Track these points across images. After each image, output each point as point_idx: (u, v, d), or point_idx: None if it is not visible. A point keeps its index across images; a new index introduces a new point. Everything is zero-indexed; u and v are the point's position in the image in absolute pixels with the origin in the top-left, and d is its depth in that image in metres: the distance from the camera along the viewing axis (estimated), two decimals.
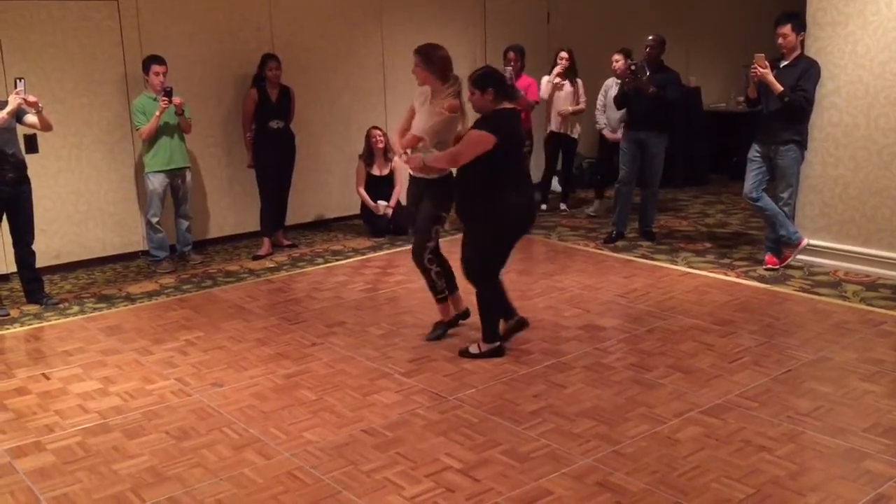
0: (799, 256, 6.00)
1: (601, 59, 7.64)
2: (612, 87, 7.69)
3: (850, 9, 5.69)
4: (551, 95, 7.81)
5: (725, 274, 5.99)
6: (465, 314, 4.99)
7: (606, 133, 7.87)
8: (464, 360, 4.51)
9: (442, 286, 4.80)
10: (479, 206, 4.38)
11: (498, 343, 4.57)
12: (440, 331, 4.87)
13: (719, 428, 3.66)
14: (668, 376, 4.23)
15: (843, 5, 5.72)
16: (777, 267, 5.98)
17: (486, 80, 4.35)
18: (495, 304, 4.56)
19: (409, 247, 4.85)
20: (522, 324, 4.66)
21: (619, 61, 7.48)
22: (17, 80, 5.30)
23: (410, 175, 4.77)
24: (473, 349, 4.57)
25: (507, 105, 4.42)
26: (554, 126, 7.92)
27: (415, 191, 4.79)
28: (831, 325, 4.89)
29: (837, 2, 5.75)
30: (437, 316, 4.93)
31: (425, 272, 4.76)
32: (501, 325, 4.62)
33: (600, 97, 7.87)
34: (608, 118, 7.85)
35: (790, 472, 3.28)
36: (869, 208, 5.78)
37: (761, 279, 5.82)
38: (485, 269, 4.48)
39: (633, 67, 6.75)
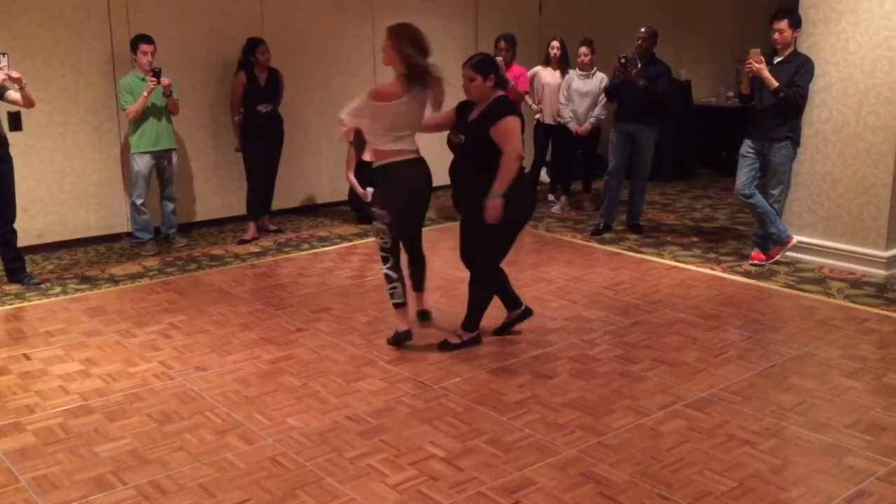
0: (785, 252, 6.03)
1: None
2: (573, 79, 7.63)
3: (842, 6, 5.69)
4: (542, 86, 7.78)
5: (711, 268, 6.01)
6: (426, 315, 4.91)
7: (573, 126, 7.72)
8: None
9: (399, 295, 4.48)
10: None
11: (477, 332, 4.56)
12: (399, 339, 4.56)
13: (703, 421, 3.67)
14: (653, 369, 4.24)
15: (836, 2, 5.72)
16: (763, 263, 6.00)
17: (489, 66, 4.28)
18: (490, 297, 4.54)
19: None
20: (528, 313, 4.72)
21: (587, 55, 7.47)
22: (1, 56, 5.23)
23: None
24: (454, 339, 4.53)
25: (501, 93, 4.36)
26: (546, 117, 7.88)
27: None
28: (816, 322, 4.91)
29: None
30: (421, 305, 4.93)
31: (384, 277, 4.50)
32: (507, 314, 4.71)
33: (563, 90, 7.67)
34: (574, 111, 7.68)
35: (772, 467, 3.29)
36: (855, 206, 5.80)
37: (747, 274, 5.84)
38: (492, 262, 4.46)
39: (623, 60, 6.75)
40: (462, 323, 4.55)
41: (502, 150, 4.15)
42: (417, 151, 4.39)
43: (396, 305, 4.52)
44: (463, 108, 4.45)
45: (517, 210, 4.28)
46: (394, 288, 4.46)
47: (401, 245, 4.55)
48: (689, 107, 9.83)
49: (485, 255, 4.43)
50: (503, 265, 4.58)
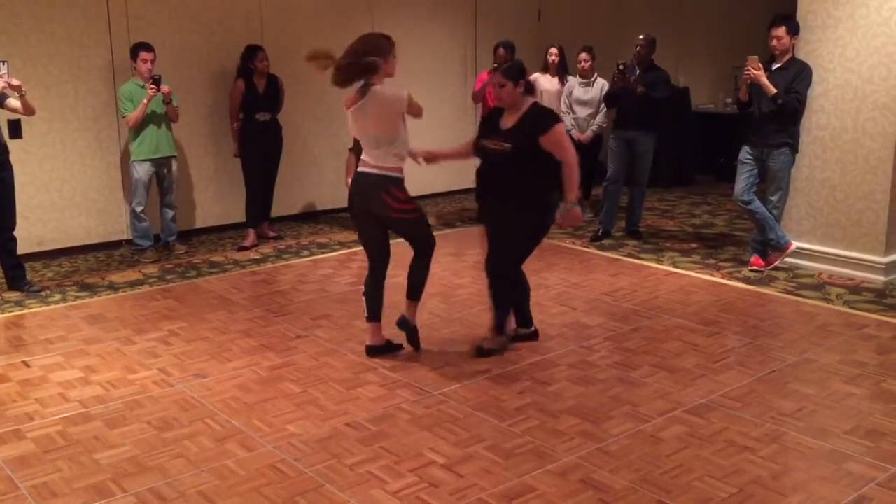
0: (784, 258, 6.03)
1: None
2: (574, 87, 7.65)
3: (839, 12, 5.71)
4: (540, 93, 7.79)
5: (711, 274, 6.01)
6: (406, 326, 4.53)
7: (574, 134, 7.73)
8: (448, 355, 4.49)
9: (368, 309, 4.44)
10: (527, 206, 4.27)
11: (505, 335, 4.56)
12: (373, 353, 4.50)
13: (703, 427, 3.67)
14: (652, 375, 4.24)
15: (833, 9, 5.74)
16: (762, 269, 6.01)
17: (518, 71, 4.26)
18: (513, 296, 4.55)
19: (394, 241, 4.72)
20: (535, 337, 4.72)
21: (587, 62, 7.49)
22: (1, 63, 5.25)
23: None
24: (488, 345, 4.49)
25: (532, 98, 4.35)
26: None
27: None
28: (815, 328, 4.91)
29: (828, 5, 5.77)
30: (418, 315, 4.86)
31: None
32: (512, 328, 4.67)
33: (564, 99, 7.69)
34: (576, 119, 7.71)
35: (772, 473, 3.29)
36: (854, 212, 5.81)
37: (746, 280, 5.84)
38: (514, 266, 4.47)
39: (622, 66, 6.77)
40: (494, 327, 4.52)
41: (559, 158, 4.20)
42: (384, 168, 4.14)
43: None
44: (488, 117, 4.45)
45: (551, 215, 4.34)
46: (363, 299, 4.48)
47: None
48: (687, 113, 9.86)
49: (509, 259, 4.43)
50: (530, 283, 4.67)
